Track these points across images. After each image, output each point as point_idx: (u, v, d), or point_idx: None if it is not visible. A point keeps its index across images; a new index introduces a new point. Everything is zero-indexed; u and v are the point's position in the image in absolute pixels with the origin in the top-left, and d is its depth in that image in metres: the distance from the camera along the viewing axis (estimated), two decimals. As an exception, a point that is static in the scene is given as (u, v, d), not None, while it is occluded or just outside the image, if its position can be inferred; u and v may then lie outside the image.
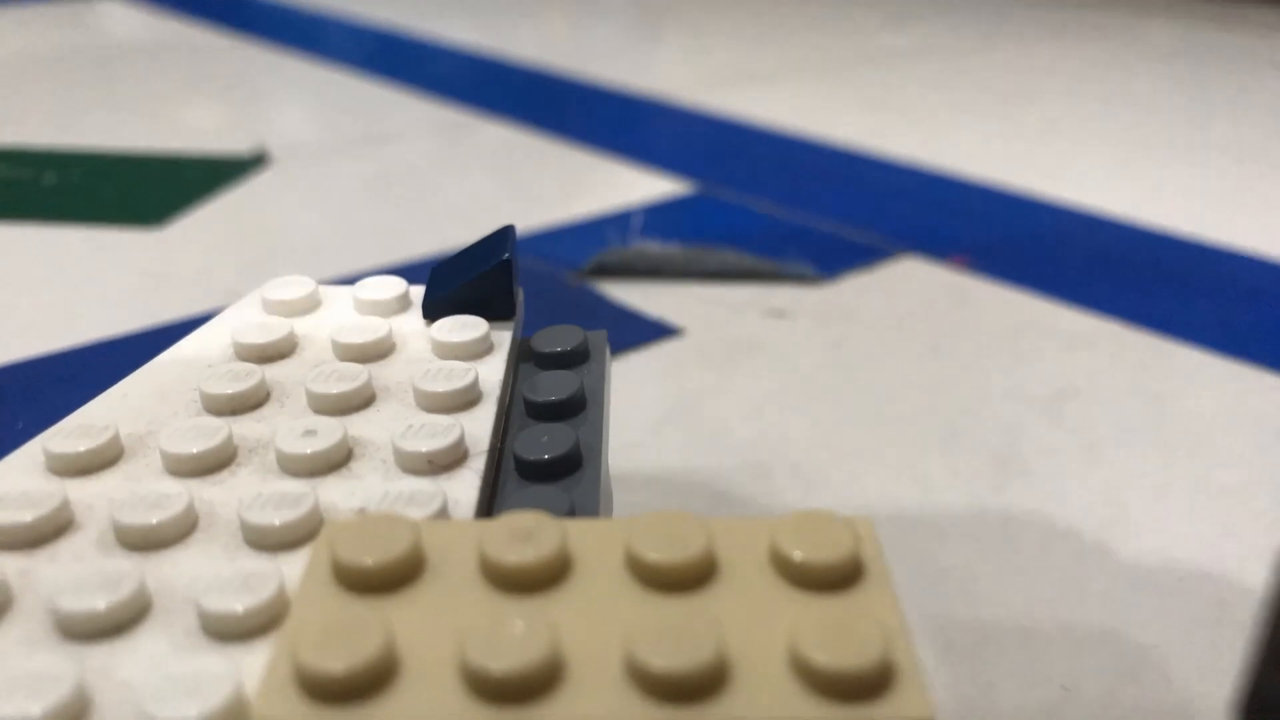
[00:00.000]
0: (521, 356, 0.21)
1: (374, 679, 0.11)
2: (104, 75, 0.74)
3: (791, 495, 0.27)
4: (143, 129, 0.60)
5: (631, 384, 0.32)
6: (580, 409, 0.19)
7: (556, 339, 0.21)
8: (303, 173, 0.53)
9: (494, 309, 0.21)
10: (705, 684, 0.11)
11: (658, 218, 0.46)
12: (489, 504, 0.16)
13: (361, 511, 0.15)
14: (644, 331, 0.36)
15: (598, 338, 0.21)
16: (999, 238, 0.45)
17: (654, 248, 0.41)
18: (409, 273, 0.36)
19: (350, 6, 0.97)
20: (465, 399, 0.18)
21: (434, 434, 0.17)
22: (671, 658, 0.11)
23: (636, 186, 0.50)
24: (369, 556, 0.12)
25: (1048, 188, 0.51)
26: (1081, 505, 0.26)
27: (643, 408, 0.31)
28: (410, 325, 0.21)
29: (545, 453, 0.17)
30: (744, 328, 0.36)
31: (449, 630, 0.12)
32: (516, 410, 0.19)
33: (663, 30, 0.95)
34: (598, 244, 0.42)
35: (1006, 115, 0.65)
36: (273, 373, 0.19)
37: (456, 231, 0.44)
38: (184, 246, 0.43)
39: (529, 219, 0.46)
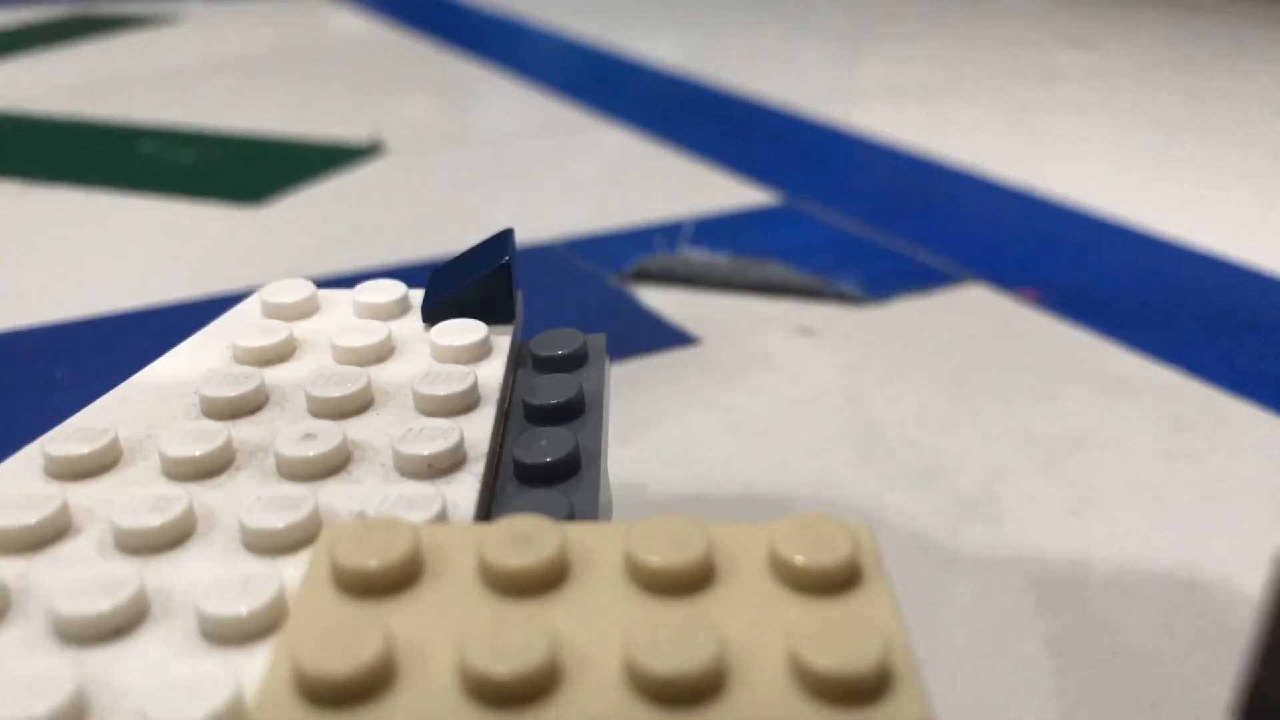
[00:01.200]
0: (521, 360, 0.21)
1: (373, 683, 0.11)
2: (291, 68, 0.77)
3: (729, 516, 0.26)
4: (293, 116, 0.63)
5: (624, 389, 0.32)
6: (579, 413, 0.19)
7: (556, 342, 0.21)
8: (410, 164, 0.55)
9: (494, 312, 0.21)
10: (704, 688, 0.11)
11: (733, 227, 0.46)
12: (488, 508, 0.16)
13: (361, 515, 0.15)
14: (660, 337, 0.35)
15: (597, 341, 0.21)
16: (1082, 272, 0.42)
17: (698, 256, 0.41)
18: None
19: (565, 22, 0.95)
20: (464, 402, 0.18)
21: (433, 437, 0.17)
22: (671, 661, 0.11)
23: (726, 195, 0.50)
24: (368, 560, 0.12)
25: (1164, 225, 0.47)
26: (1038, 561, 0.25)
27: (621, 413, 0.30)
28: (409, 329, 0.21)
29: (544, 456, 0.17)
30: (763, 343, 0.35)
31: (448, 634, 0.12)
32: (516, 414, 0.19)
33: (859, 45, 0.91)
34: (652, 249, 0.42)
35: (1155, 146, 0.60)
36: (272, 376, 0.19)
37: (532, 228, 0.45)
38: (272, 224, 0.46)
39: (604, 220, 0.46)
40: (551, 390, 0.19)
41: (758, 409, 0.31)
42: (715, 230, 0.45)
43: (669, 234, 0.44)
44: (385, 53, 0.82)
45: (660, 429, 0.30)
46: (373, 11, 0.98)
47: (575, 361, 0.20)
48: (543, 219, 0.47)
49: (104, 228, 0.46)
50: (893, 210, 0.49)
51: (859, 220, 0.47)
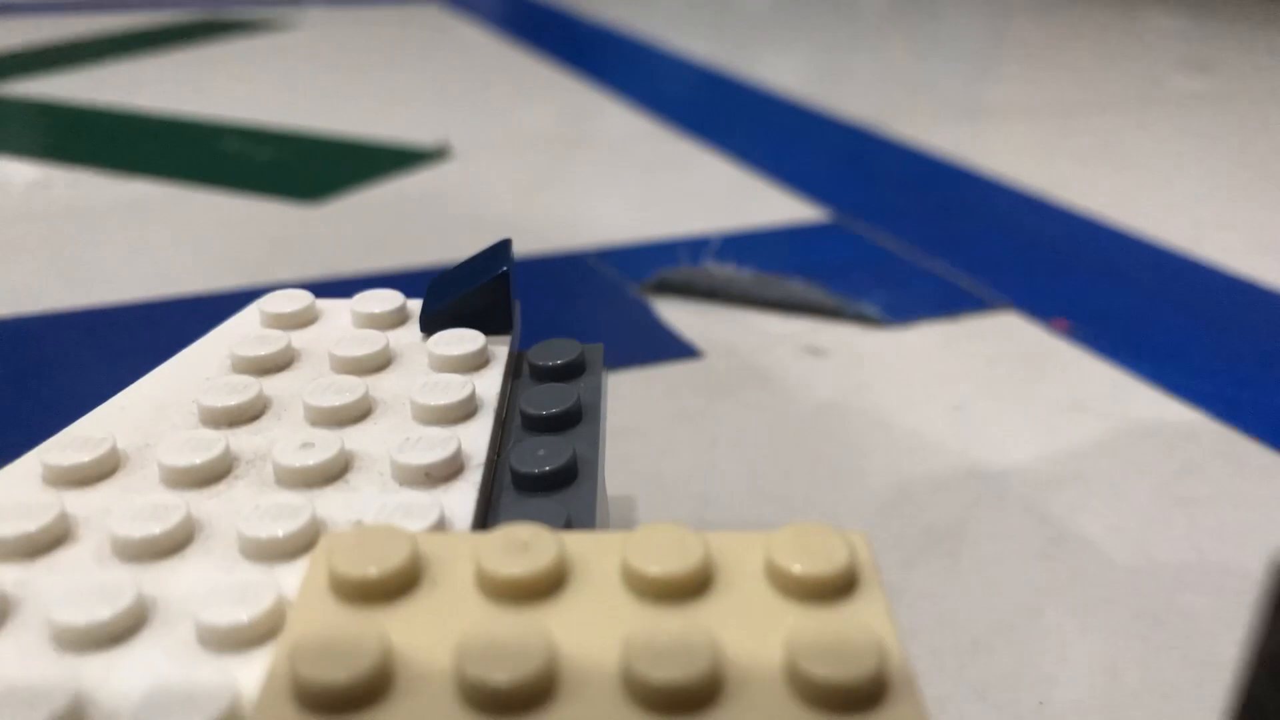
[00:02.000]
0: (518, 369, 0.21)
1: (371, 690, 0.11)
2: (389, 73, 0.79)
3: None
4: (378, 119, 0.64)
5: (613, 398, 0.32)
6: (577, 421, 0.19)
7: (553, 352, 0.21)
8: (472, 170, 0.55)
9: (491, 322, 0.21)
10: (701, 695, 0.11)
11: (773, 242, 0.45)
12: (485, 516, 0.16)
13: (358, 523, 0.15)
14: (663, 349, 0.35)
15: (594, 351, 0.21)
16: (1125, 305, 0.40)
17: (720, 271, 0.40)
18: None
19: (685, 42, 0.92)
20: (462, 412, 0.18)
21: (431, 446, 0.17)
22: (668, 669, 0.11)
23: (779, 210, 0.50)
24: (366, 568, 0.12)
25: (1232, 260, 0.45)
26: (984, 602, 0.23)
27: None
28: (407, 338, 0.21)
29: (542, 465, 0.17)
30: (767, 360, 0.35)
31: (446, 641, 0.12)
32: (513, 423, 0.19)
33: (979, 66, 0.88)
34: (680, 261, 0.42)
35: (1244, 177, 0.57)
36: (270, 385, 0.19)
37: (571, 236, 0.46)
38: (324, 222, 0.48)
39: (647, 230, 0.46)
40: (549, 399, 0.19)
41: (742, 425, 0.31)
42: (754, 245, 0.45)
43: (696, 247, 0.44)
44: (487, 62, 0.83)
45: (638, 439, 0.30)
46: (489, 22, 0.99)
47: (572, 371, 0.20)
48: (586, 227, 0.47)
49: (168, 219, 0.48)
50: (944, 233, 0.48)
51: (905, 241, 0.46)
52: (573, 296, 0.40)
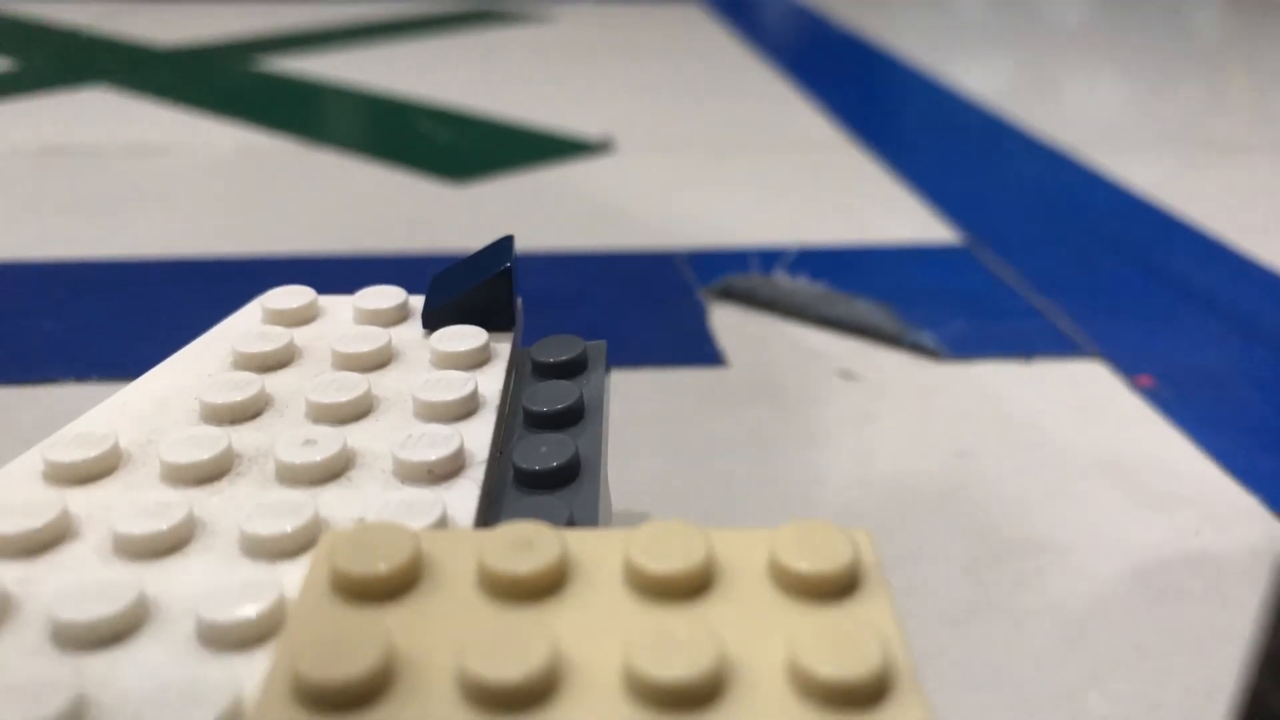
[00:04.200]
0: (521, 366, 0.21)
1: (372, 688, 0.11)
2: (611, 68, 0.80)
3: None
4: (567, 109, 0.65)
5: (614, 398, 0.31)
6: (579, 419, 0.19)
7: (556, 349, 0.21)
8: (624, 165, 0.55)
9: (494, 319, 0.21)
10: (704, 694, 0.11)
11: (877, 261, 0.44)
12: (488, 514, 0.16)
13: (361, 521, 0.15)
14: (692, 354, 0.35)
15: (597, 348, 0.21)
16: (1244, 370, 0.35)
17: (786, 283, 0.40)
18: (612, 262, 0.43)
19: (945, 67, 0.82)
20: (464, 409, 0.18)
21: (433, 443, 0.17)
22: (670, 667, 0.11)
23: (905, 228, 0.47)
24: (368, 566, 0.12)
25: None
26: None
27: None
28: (410, 335, 0.21)
29: (544, 462, 0.17)
30: (791, 378, 0.33)
31: (448, 640, 0.12)
32: (516, 420, 0.19)
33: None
34: (750, 270, 0.42)
35: None
36: (272, 382, 0.19)
37: (677, 236, 0.46)
38: (457, 201, 0.49)
39: (761, 236, 0.46)
40: (551, 396, 0.19)
41: (714, 439, 0.30)
42: (855, 261, 0.43)
43: (771, 257, 0.43)
44: (717, 64, 0.81)
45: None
46: (741, 26, 0.97)
47: (575, 368, 0.20)
48: (701, 229, 0.47)
49: (329, 187, 0.51)
50: (1073, 271, 0.44)
51: (1024, 275, 0.42)
52: (634, 295, 0.40)
